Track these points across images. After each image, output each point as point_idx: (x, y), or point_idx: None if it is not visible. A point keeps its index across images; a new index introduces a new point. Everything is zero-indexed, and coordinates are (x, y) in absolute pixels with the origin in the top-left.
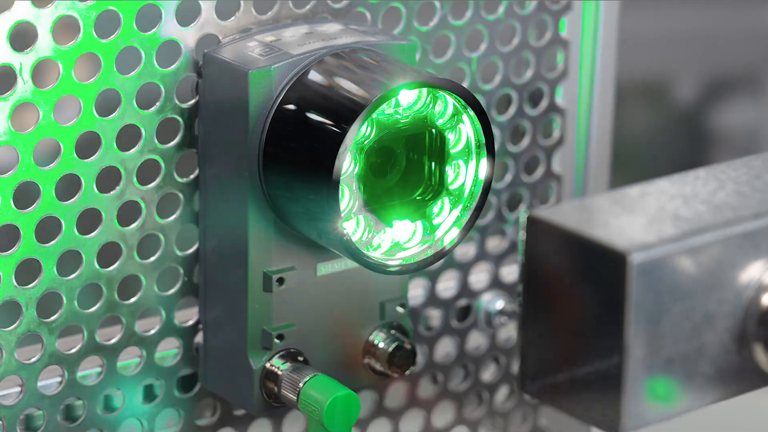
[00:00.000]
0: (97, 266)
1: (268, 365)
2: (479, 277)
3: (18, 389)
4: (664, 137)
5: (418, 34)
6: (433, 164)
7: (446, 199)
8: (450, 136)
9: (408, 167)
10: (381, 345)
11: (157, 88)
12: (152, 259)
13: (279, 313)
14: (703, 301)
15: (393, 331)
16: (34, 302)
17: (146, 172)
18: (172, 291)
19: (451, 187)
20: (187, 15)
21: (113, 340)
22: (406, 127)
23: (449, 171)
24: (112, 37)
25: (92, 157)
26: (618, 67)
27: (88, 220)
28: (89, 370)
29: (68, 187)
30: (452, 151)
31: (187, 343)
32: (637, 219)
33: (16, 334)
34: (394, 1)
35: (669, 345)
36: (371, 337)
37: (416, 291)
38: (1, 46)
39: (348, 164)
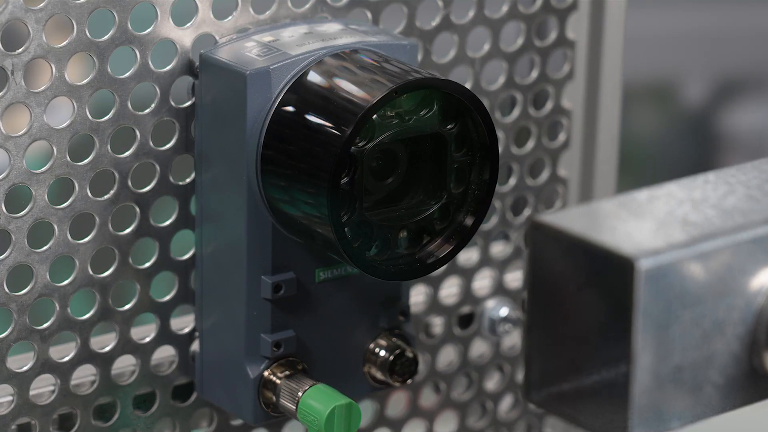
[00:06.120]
0: (90, 272)
1: (266, 374)
2: (483, 283)
3: (10, 398)
4: (672, 140)
5: (419, 34)
6: (435, 167)
7: (449, 203)
8: (453, 139)
9: (409, 171)
10: (382, 353)
11: (153, 89)
12: (147, 264)
13: (277, 321)
14: (713, 308)
15: (394, 339)
16: (26, 309)
17: (141, 175)
18: (167, 298)
19: (453, 191)
20: (183, 14)
21: (107, 348)
22: (408, 130)
23: (452, 174)
24: (106, 37)
25: (85, 160)
26: (625, 69)
27: (82, 225)
28: (83, 379)
29: (61, 190)
30: (455, 154)
31: (183, 351)
32: (644, 224)
33: (8, 341)
34: (395, 1)
35: (678, 353)
36: (372, 345)
37: (418, 297)
38: None
39: (348, 168)
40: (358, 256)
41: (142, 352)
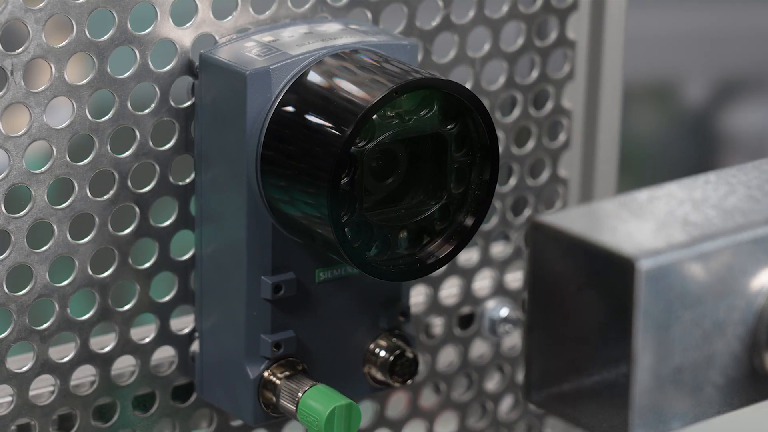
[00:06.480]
0: (90, 272)
1: (266, 374)
2: (483, 283)
3: (9, 399)
4: (672, 140)
5: (419, 34)
6: (435, 168)
7: (449, 204)
8: (453, 139)
9: (409, 171)
10: (382, 354)
11: (152, 89)
12: (147, 265)
13: (277, 321)
14: (713, 309)
15: (394, 340)
16: (26, 309)
17: (141, 175)
18: (167, 298)
19: (453, 191)
20: (182, 14)
21: (107, 349)
22: (408, 130)
23: (452, 175)
24: (105, 37)
25: (85, 161)
26: (625, 69)
27: (81, 225)
28: (82, 379)
29: (60, 191)
30: (455, 154)
31: (183, 351)
32: (645, 224)
33: (7, 342)
34: (395, 1)
35: (678, 353)
36: (372, 346)
37: (418, 298)
38: None
39: (348, 168)
40: (358, 256)
41: (142, 352)
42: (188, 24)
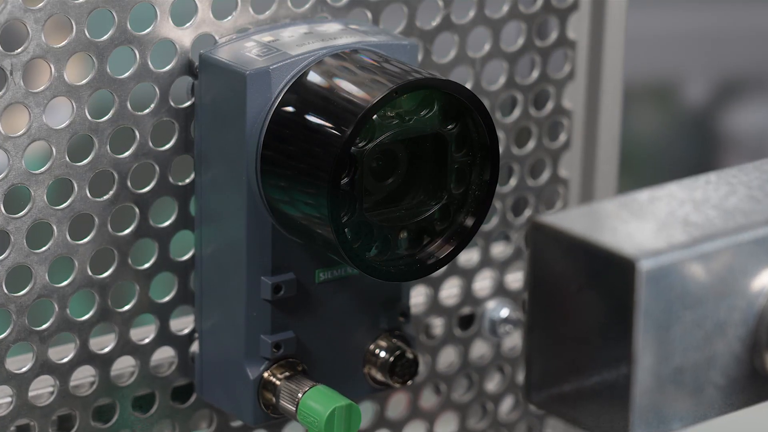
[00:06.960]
0: (89, 273)
1: (265, 375)
2: (483, 284)
3: (9, 399)
4: (673, 140)
5: (419, 34)
6: (435, 168)
7: (449, 204)
8: (453, 139)
9: (410, 171)
10: (382, 354)
11: (152, 89)
12: (146, 265)
13: (277, 322)
14: (714, 309)
15: (394, 340)
16: (25, 310)
17: (140, 176)
18: (167, 299)
19: (454, 192)
20: (182, 14)
21: (106, 349)
22: (408, 130)
23: (452, 175)
24: (105, 37)
25: (85, 161)
26: (625, 69)
27: (81, 226)
28: (82, 380)
29: (60, 191)
30: (455, 155)
31: (183, 352)
32: (646, 224)
33: (7, 342)
34: (395, 1)
35: (679, 354)
36: (372, 346)
37: (418, 298)
38: None
39: (348, 168)
40: (358, 256)
41: (142, 353)
42: (188, 24)
